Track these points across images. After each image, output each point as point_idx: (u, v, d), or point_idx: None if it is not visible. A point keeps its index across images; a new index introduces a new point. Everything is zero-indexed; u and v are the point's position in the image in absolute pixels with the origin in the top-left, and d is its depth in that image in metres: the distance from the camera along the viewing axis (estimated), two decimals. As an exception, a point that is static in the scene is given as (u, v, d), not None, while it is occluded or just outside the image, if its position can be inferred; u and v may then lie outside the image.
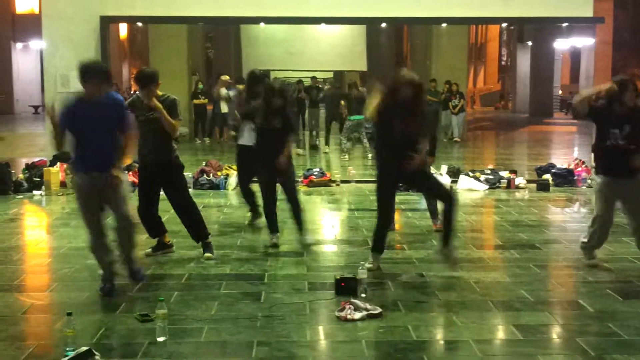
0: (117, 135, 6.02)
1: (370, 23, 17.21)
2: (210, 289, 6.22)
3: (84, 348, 4.61)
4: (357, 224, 8.91)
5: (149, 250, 7.36)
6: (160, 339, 4.93)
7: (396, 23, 17.53)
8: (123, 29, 46.10)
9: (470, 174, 12.22)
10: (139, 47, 48.11)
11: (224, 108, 19.77)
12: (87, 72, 5.87)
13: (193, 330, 5.17)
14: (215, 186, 11.72)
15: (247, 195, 8.80)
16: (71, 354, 4.55)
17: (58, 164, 11.90)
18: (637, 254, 7.44)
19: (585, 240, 7.07)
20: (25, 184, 11.46)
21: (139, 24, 16.30)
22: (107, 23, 12.37)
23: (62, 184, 11.67)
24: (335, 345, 4.95)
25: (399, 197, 8.63)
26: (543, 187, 11.85)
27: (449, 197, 6.64)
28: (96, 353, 4.60)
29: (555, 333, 5.28)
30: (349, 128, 16.70)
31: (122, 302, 5.80)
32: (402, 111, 6.42)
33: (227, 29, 28.41)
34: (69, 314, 4.77)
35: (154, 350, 4.82)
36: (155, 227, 7.42)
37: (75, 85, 11.87)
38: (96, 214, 6.10)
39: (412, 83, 6.48)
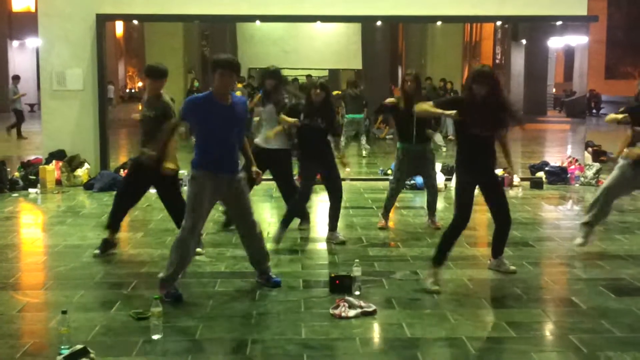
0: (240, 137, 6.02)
1: (366, 21, 17.18)
2: (205, 286, 6.24)
3: (79, 346, 4.62)
4: (352, 222, 8.93)
5: (97, 251, 7.30)
6: (155, 337, 4.95)
7: (391, 21, 17.49)
8: (119, 27, 45.99)
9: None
10: (135, 45, 48.02)
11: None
12: (218, 64, 5.71)
13: (188, 328, 5.19)
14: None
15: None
16: (66, 352, 4.56)
17: (54, 161, 11.91)
18: (630, 252, 7.50)
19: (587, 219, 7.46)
20: (21, 182, 11.47)
21: (135, 22, 16.25)
22: (103, 21, 12.34)
23: (58, 182, 11.68)
24: (329, 342, 4.97)
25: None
26: (536, 184, 11.89)
27: (508, 218, 6.65)
28: (91, 351, 4.61)
29: (549, 330, 5.31)
30: (345, 126, 16.73)
31: (117, 300, 5.81)
32: (481, 109, 6.22)
33: (223, 27, 28.38)
34: (64, 312, 4.78)
35: (149, 348, 4.84)
36: (119, 222, 7.46)
37: (71, 84, 12.03)
38: (206, 215, 5.98)
39: (484, 76, 6.26)
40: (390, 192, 8.66)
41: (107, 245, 7.34)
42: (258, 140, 8.27)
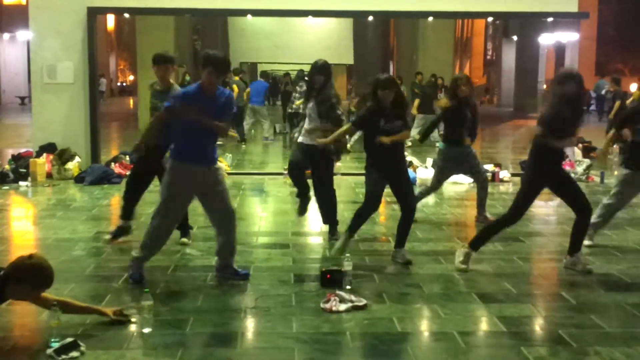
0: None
1: (357, 16, 17.20)
2: (195, 280, 6.23)
3: (69, 339, 4.62)
4: (343, 216, 8.90)
5: (108, 236, 7.58)
6: (146, 331, 4.95)
7: (383, 16, 17.52)
8: (110, 20, 45.88)
9: (456, 167, 12.25)
10: (126, 38, 47.95)
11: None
12: (206, 60, 5.89)
13: (178, 322, 5.18)
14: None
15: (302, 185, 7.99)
16: (56, 345, 4.55)
17: (44, 154, 11.87)
18: (619, 247, 7.53)
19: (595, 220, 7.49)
20: (11, 175, 11.42)
21: (126, 15, 16.21)
22: (95, 14, 12.29)
23: (48, 175, 11.64)
24: (320, 336, 4.97)
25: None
26: (527, 180, 11.90)
27: (587, 209, 6.65)
28: (81, 344, 4.61)
29: (538, 325, 5.33)
30: None
31: (107, 294, 5.80)
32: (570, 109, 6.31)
33: (214, 20, 28.37)
34: (54, 305, 4.77)
35: (139, 341, 4.83)
36: (133, 211, 7.69)
37: (62, 77, 11.98)
38: (186, 206, 6.28)
39: (574, 77, 6.36)
40: (428, 191, 8.84)
41: (123, 231, 7.59)
42: (302, 138, 7.69)
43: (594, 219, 7.40)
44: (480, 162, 8.90)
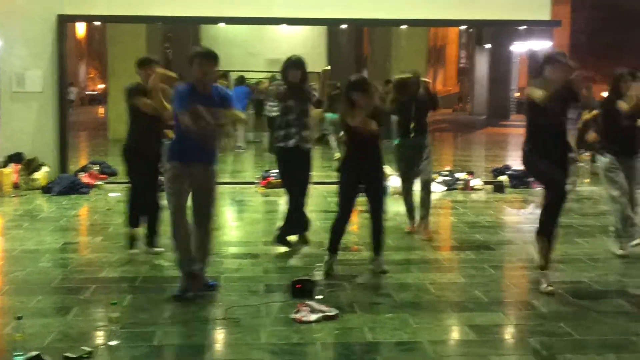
0: None
1: (331, 24, 17.20)
2: (163, 291, 6.14)
3: (34, 353, 4.54)
4: (315, 226, 8.87)
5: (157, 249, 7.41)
6: (113, 343, 4.87)
7: (356, 24, 17.53)
8: (81, 28, 45.56)
9: (428, 175, 12.25)
10: (97, 46, 47.68)
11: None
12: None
13: (146, 334, 5.10)
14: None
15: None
16: (20, 359, 4.47)
17: (11, 164, 11.71)
18: (589, 255, 7.56)
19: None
20: (-23, 186, 11.26)
21: (97, 23, 16.10)
22: (65, 22, 12.18)
23: (15, 186, 11.47)
24: (289, 347, 4.92)
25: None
26: (498, 188, 11.96)
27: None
28: (45, 358, 4.53)
29: (509, 333, 5.33)
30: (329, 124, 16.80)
31: (74, 306, 5.71)
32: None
33: (186, 28, 28.28)
34: (19, 318, 4.69)
35: (106, 354, 4.75)
36: (139, 218, 7.49)
37: (30, 86, 11.83)
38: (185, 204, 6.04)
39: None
40: (407, 192, 8.61)
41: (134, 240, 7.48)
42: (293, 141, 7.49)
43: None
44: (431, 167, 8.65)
